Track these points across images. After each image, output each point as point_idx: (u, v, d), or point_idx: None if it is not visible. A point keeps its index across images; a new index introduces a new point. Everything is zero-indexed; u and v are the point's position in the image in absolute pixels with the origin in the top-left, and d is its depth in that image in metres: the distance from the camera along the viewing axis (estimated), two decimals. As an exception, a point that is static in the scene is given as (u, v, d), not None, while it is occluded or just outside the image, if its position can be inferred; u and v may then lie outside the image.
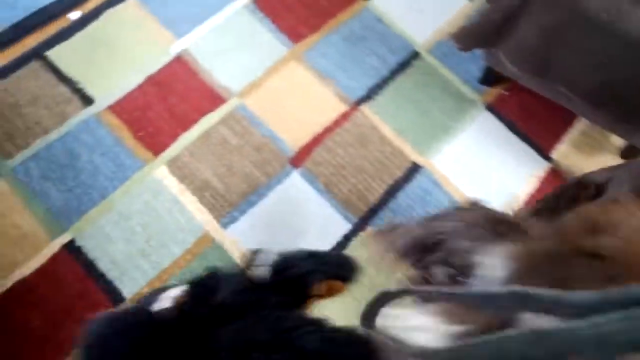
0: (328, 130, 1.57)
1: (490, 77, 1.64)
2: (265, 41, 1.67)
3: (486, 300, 0.33)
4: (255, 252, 0.60)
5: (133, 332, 0.47)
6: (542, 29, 1.32)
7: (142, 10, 1.68)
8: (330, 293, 0.56)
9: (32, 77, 1.56)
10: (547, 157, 1.60)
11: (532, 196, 1.55)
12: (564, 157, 1.61)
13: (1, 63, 1.57)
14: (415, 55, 1.69)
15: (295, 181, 1.50)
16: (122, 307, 0.63)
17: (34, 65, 1.57)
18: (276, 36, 1.68)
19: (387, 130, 1.58)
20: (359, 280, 0.57)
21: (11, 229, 1.38)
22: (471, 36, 1.48)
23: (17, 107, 1.52)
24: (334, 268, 0.56)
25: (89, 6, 1.70)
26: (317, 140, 1.55)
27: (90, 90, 1.56)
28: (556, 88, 1.44)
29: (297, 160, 1.52)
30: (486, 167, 1.57)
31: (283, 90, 1.61)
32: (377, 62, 1.67)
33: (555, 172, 1.58)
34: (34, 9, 1.65)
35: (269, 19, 1.70)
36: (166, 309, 0.50)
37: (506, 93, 1.66)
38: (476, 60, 1.68)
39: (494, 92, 1.66)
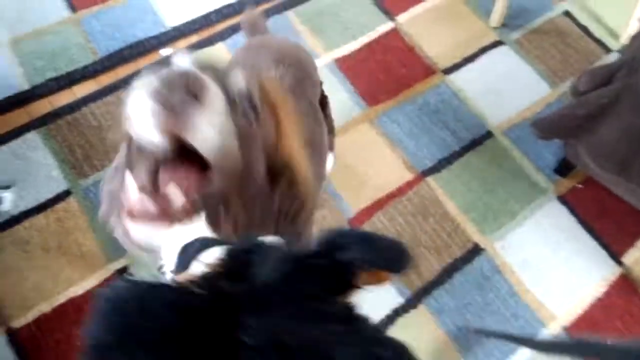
0: (391, 196, 1.55)
1: (565, 168, 1.59)
2: (341, 100, 1.70)
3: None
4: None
5: (157, 319, 0.39)
6: (628, 131, 1.28)
7: (229, 53, 1.75)
8: (375, 283, 0.50)
9: (118, 104, 1.64)
10: (618, 261, 1.51)
11: (599, 301, 1.46)
12: (637, 263, 1.51)
13: (94, 88, 1.67)
14: (488, 134, 1.67)
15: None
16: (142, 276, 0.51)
17: (122, 94, 1.66)
18: (352, 97, 1.71)
19: (450, 206, 1.55)
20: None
21: (73, 246, 1.42)
22: (552, 126, 1.46)
23: (99, 131, 1.59)
24: (388, 257, 0.50)
25: (179, 45, 1.79)
26: (378, 205, 1.54)
27: (168, 124, 1.63)
28: (635, 190, 1.38)
29: (356, 221, 1.51)
30: (551, 261, 1.50)
31: (351, 150, 1.62)
32: (448, 136, 1.66)
33: (625, 279, 1.49)
34: (131, 42, 1.76)
35: (348, 79, 1.74)
36: (196, 283, 0.42)
37: (580, 186, 1.60)
38: (552, 148, 1.64)
39: (567, 183, 1.61)
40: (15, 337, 1.31)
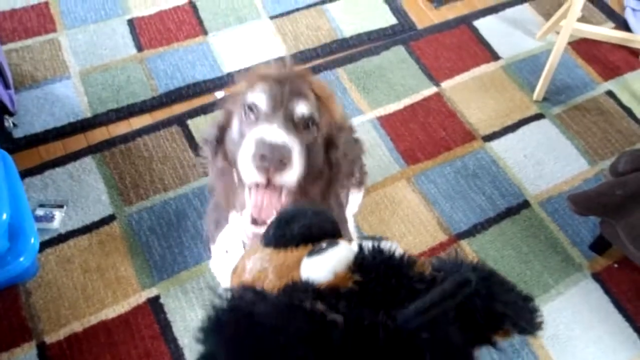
0: (423, 255, 1.56)
1: (601, 245, 1.58)
2: (381, 156, 1.75)
3: None
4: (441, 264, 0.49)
5: (291, 350, 0.36)
6: (670, 215, 1.28)
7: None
8: (500, 338, 0.46)
9: (169, 138, 1.73)
10: (651, 347, 1.47)
11: (629, 385, 1.41)
12: (672, 352, 1.46)
13: (149, 122, 1.78)
14: (525, 204, 1.68)
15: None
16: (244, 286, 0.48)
17: (174, 129, 1.76)
18: (392, 154, 1.76)
19: (482, 272, 1.54)
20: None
21: (110, 270, 1.47)
22: (589, 203, 1.46)
23: (149, 162, 1.68)
24: (526, 318, 0.46)
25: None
26: (409, 263, 1.54)
27: (214, 162, 1.70)
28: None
29: (386, 277, 1.51)
30: (581, 339, 1.46)
31: (386, 205, 1.65)
32: (484, 201, 1.68)
33: (659, 366, 1.44)
34: (189, 82, 1.87)
35: (390, 137, 1.79)
36: (332, 307, 0.40)
37: (616, 266, 1.58)
38: (589, 224, 1.64)
39: (602, 261, 1.59)
40: (45, 352, 1.34)
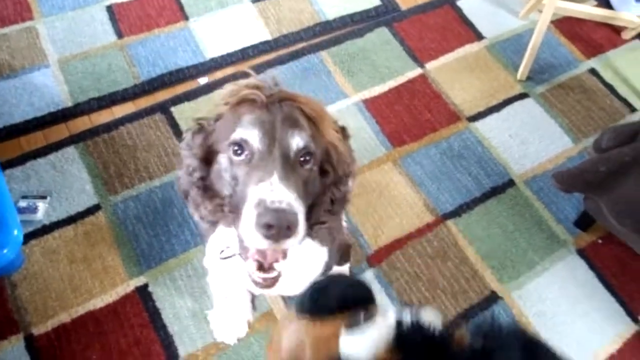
0: (410, 236, 1.57)
1: (585, 222, 1.60)
2: (367, 138, 1.75)
3: None
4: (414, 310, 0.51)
5: None
6: (652, 189, 1.30)
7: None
8: None
9: (153, 126, 1.71)
10: (635, 319, 1.49)
11: (612, 357, 1.44)
12: (655, 324, 1.49)
13: (131, 110, 1.75)
14: (510, 183, 1.69)
15: (368, 280, 1.49)
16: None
17: (158, 117, 1.73)
18: (378, 137, 1.76)
19: (469, 251, 1.56)
20: None
21: (97, 260, 1.46)
22: (573, 180, 1.47)
23: (133, 150, 1.66)
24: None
25: (216, 75, 1.88)
26: (397, 244, 1.55)
27: (199, 149, 1.69)
28: (657, 250, 1.38)
29: (374, 259, 1.52)
30: (567, 314, 1.49)
31: (372, 188, 1.66)
32: (470, 182, 1.69)
33: (641, 338, 1.47)
34: (171, 69, 1.85)
35: (375, 120, 1.79)
36: None
37: (600, 242, 1.60)
38: (573, 201, 1.66)
39: (587, 237, 1.61)
40: (33, 344, 1.33)
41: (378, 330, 0.49)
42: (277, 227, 0.68)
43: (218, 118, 0.83)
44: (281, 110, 0.78)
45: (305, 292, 0.60)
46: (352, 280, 0.60)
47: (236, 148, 0.77)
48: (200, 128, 0.84)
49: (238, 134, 0.76)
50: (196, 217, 0.88)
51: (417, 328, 0.47)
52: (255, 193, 0.71)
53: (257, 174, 0.73)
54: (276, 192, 0.70)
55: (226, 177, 0.79)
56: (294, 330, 0.56)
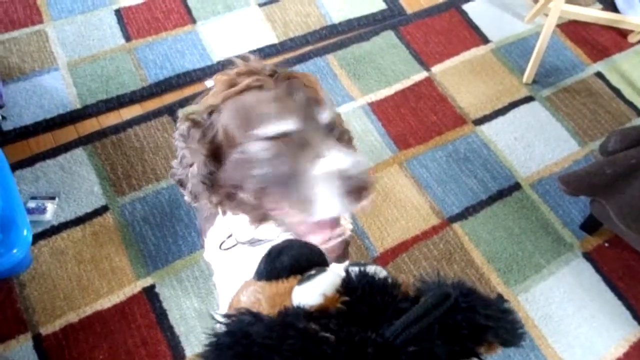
0: (416, 239, 1.58)
1: (592, 225, 1.60)
2: (373, 142, 1.75)
3: None
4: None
5: None
6: (659, 192, 1.30)
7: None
8: (486, 352, 0.48)
9: (160, 128, 1.73)
10: (642, 323, 1.49)
11: (619, 361, 1.43)
12: (662, 327, 1.49)
13: (139, 112, 1.77)
14: (516, 186, 1.69)
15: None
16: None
17: (165, 119, 1.75)
18: (384, 139, 1.76)
19: (475, 254, 1.56)
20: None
21: (104, 260, 1.47)
22: (579, 183, 1.47)
23: (140, 152, 1.67)
24: (507, 329, 0.48)
25: (223, 78, 1.89)
26: (403, 247, 1.56)
27: (205, 151, 1.69)
28: (664, 253, 1.37)
29: (380, 261, 1.53)
30: (574, 318, 1.49)
31: (378, 191, 1.66)
32: (476, 184, 1.69)
33: (649, 342, 1.46)
34: (178, 72, 1.86)
35: (381, 122, 1.80)
36: (323, 325, 0.43)
37: (607, 245, 1.60)
38: (579, 204, 1.66)
39: (593, 240, 1.61)
40: (41, 344, 1.34)
41: (326, 277, 0.52)
42: (358, 188, 0.69)
43: (212, 111, 0.80)
44: (292, 90, 0.76)
45: (262, 257, 0.61)
46: (306, 243, 0.63)
47: (268, 138, 0.74)
48: (196, 123, 0.82)
49: (267, 124, 0.73)
50: (195, 204, 0.88)
51: (363, 274, 0.50)
52: (323, 167, 0.70)
53: (306, 153, 0.72)
54: (343, 159, 0.70)
55: (256, 166, 0.76)
56: (251, 291, 0.57)
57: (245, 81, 0.77)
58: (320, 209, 0.71)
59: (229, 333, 0.44)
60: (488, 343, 0.47)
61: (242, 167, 0.78)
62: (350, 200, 0.69)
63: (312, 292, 0.50)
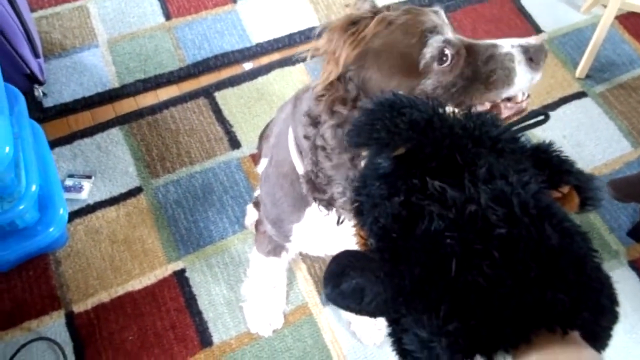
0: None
1: (640, 233, 1.52)
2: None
3: None
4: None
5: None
6: None
7: (307, 75, 1.79)
8: (566, 206, 0.48)
9: (196, 111, 1.71)
10: (690, 340, 1.41)
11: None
12: None
13: (175, 93, 1.75)
14: (561, 187, 1.61)
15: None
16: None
17: (201, 101, 1.73)
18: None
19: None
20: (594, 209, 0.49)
21: (137, 242, 1.48)
22: (631, 189, 1.39)
23: (176, 134, 1.66)
24: (589, 184, 0.49)
25: (262, 61, 1.85)
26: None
27: (240, 136, 1.67)
28: None
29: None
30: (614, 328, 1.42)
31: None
32: (518, 183, 1.62)
33: (697, 362, 1.38)
34: (216, 53, 1.83)
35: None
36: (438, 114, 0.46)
37: (656, 255, 1.51)
38: (628, 210, 1.57)
39: (641, 249, 1.52)
40: (73, 321, 1.37)
41: None
42: (539, 53, 0.74)
43: (344, 73, 0.73)
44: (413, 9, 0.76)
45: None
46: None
47: (442, 58, 0.73)
48: (341, 100, 0.73)
49: (434, 47, 0.73)
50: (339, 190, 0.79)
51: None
52: (516, 46, 0.74)
53: (478, 46, 0.76)
54: (520, 39, 0.75)
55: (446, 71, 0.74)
56: None
57: (371, 24, 0.73)
58: (518, 80, 0.73)
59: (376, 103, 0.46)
60: (570, 193, 0.48)
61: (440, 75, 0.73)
62: (535, 67, 0.73)
63: None
